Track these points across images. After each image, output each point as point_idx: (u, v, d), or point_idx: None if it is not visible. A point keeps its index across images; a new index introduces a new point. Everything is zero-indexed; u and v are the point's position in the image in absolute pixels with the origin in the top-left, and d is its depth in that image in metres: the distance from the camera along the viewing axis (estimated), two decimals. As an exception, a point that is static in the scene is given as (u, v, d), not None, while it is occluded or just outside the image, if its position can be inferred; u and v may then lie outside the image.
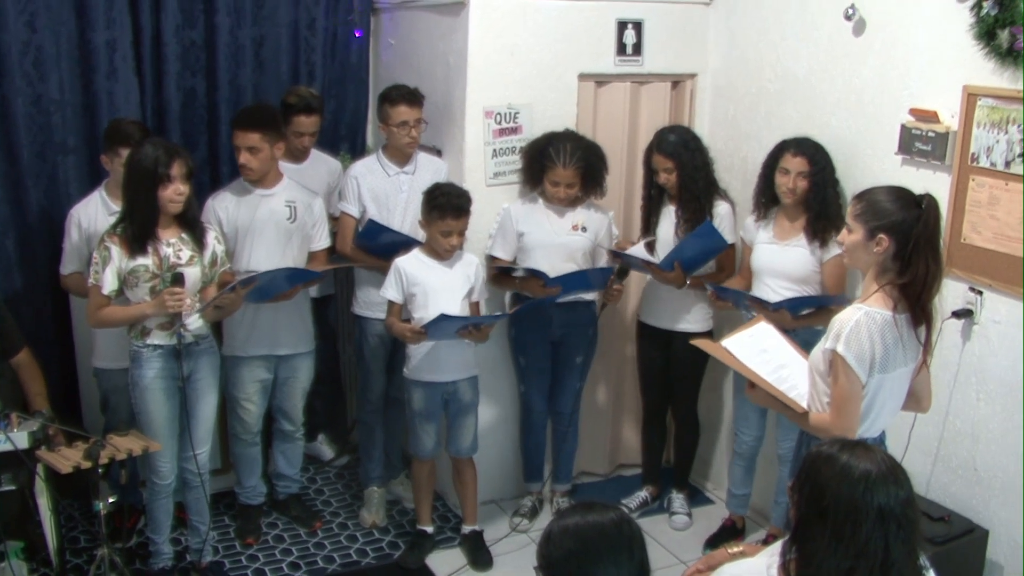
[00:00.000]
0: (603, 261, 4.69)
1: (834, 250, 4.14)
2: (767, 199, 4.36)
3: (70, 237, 4.32)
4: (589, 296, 4.72)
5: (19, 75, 4.50)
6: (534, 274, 4.47)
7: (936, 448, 4.05)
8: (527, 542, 4.72)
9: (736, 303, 4.36)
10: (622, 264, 4.53)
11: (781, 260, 4.27)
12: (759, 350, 3.30)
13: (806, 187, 4.18)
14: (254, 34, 5.02)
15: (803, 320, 4.18)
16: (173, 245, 3.88)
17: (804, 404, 3.16)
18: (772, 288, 4.27)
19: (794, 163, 4.19)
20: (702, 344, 3.54)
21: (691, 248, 4.46)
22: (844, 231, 3.12)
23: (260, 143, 4.27)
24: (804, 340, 4.23)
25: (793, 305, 4.15)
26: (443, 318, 4.05)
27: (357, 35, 5.34)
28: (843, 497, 2.04)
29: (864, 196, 3.07)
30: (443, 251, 4.25)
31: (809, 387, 3.15)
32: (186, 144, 4.87)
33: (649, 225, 4.74)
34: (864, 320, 2.96)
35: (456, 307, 4.24)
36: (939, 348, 3.89)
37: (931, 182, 3.92)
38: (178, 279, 3.78)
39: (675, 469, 5.11)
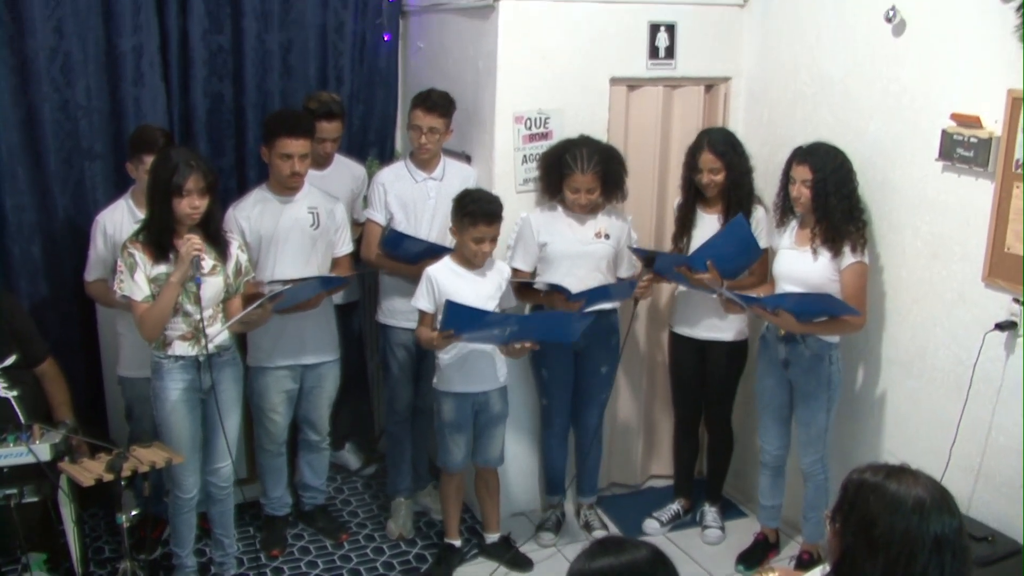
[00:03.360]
0: (625, 263, 4.60)
1: (849, 258, 4.02)
2: (785, 206, 4.27)
3: (95, 244, 4.29)
4: (611, 304, 4.61)
5: (46, 81, 4.48)
6: (556, 289, 4.38)
7: (979, 465, 3.91)
8: (554, 553, 4.66)
9: (746, 304, 4.24)
10: (647, 256, 4.43)
11: (795, 266, 4.15)
12: None
13: (809, 195, 4.07)
14: (281, 38, 4.98)
15: (812, 327, 4.07)
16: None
17: None
18: None
19: (799, 171, 4.08)
20: None
21: (722, 245, 4.32)
22: None
23: (309, 148, 4.29)
24: (814, 352, 4.16)
25: (798, 308, 4.03)
26: (452, 306, 3.92)
27: (386, 39, 5.28)
28: (897, 528, 1.95)
29: None
30: (475, 258, 4.15)
31: None
32: (213, 150, 4.87)
33: (684, 230, 4.62)
34: None
35: None
36: (981, 360, 3.79)
37: (973, 189, 3.80)
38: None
39: (708, 481, 5.00)
